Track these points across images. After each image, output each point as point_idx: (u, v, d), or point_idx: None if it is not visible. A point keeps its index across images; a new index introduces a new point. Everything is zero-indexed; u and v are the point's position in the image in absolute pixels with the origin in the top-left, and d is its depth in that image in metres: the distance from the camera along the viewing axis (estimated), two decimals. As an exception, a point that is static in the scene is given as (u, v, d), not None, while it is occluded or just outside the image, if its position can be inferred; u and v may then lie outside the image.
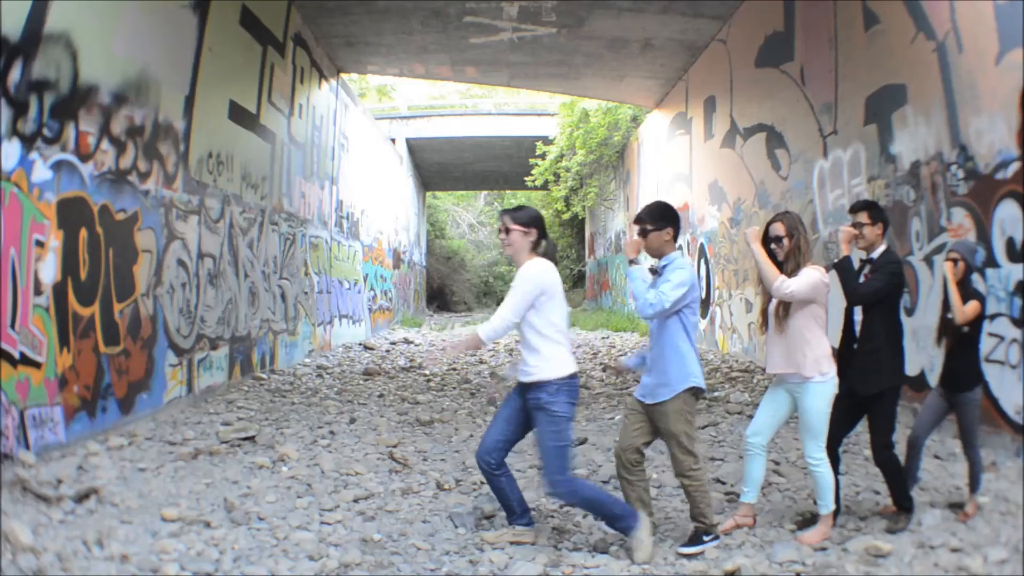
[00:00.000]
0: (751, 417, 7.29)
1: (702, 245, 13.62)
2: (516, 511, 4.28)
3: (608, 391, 9.10)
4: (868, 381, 4.29)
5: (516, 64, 14.40)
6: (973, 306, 4.44)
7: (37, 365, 5.25)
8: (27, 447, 5.05)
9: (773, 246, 4.24)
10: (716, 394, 8.52)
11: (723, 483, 5.30)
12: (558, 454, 3.98)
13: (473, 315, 28.05)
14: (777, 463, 5.68)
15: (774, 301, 4.23)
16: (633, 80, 15.15)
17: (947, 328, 4.57)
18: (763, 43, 10.29)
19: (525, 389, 4.07)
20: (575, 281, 29.89)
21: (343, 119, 14.71)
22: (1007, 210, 5.50)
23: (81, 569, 3.65)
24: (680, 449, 4.12)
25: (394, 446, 6.32)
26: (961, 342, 4.51)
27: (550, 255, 4.18)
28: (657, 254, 4.20)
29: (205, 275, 8.25)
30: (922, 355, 6.57)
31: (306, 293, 12.37)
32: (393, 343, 15.31)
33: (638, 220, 4.22)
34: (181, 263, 7.64)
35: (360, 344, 14.84)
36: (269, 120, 10.30)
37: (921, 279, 6.63)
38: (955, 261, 4.54)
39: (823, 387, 4.15)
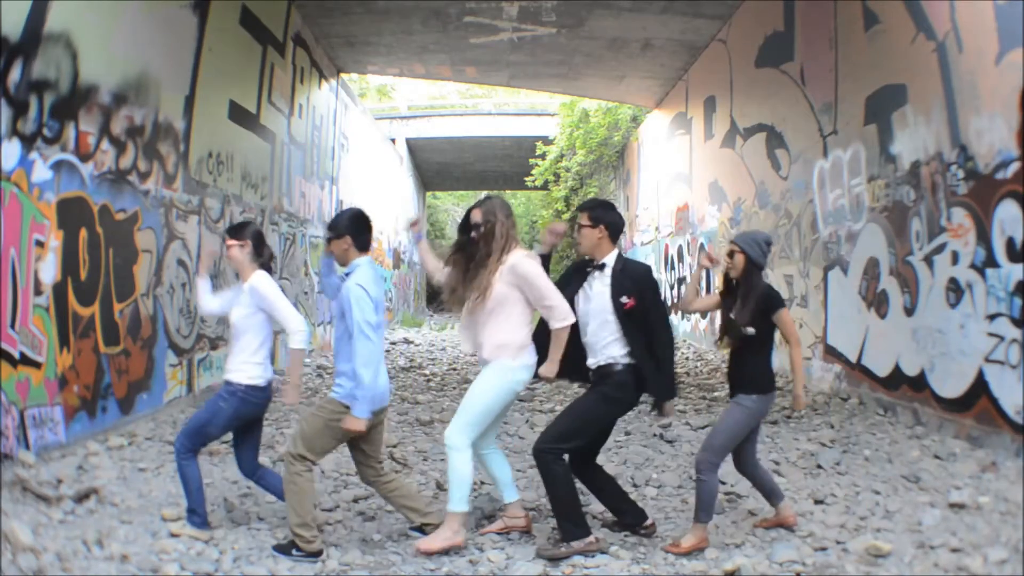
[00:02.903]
0: (751, 417, 7.34)
1: (702, 245, 13.60)
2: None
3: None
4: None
5: (516, 64, 14.39)
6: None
7: (37, 365, 5.25)
8: (27, 447, 5.06)
9: (472, 234, 4.12)
10: (716, 394, 8.52)
11: (723, 483, 5.26)
12: (199, 421, 4.23)
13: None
14: (777, 463, 5.67)
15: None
16: (633, 80, 15.14)
17: (731, 328, 4.18)
18: (763, 43, 10.29)
19: None
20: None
21: (343, 119, 14.71)
22: (1007, 210, 5.49)
23: (81, 569, 3.65)
24: (290, 452, 4.03)
25: (394, 446, 6.32)
26: (746, 343, 4.13)
27: (266, 266, 4.37)
28: (342, 261, 4.24)
29: (205, 275, 8.24)
30: (922, 355, 6.57)
31: (306, 293, 12.38)
32: (393, 343, 15.31)
33: (328, 227, 4.26)
34: (181, 263, 7.64)
35: (360, 344, 14.79)
36: (269, 120, 10.30)
37: (921, 279, 6.63)
38: (731, 253, 4.18)
39: (499, 370, 4.02)
